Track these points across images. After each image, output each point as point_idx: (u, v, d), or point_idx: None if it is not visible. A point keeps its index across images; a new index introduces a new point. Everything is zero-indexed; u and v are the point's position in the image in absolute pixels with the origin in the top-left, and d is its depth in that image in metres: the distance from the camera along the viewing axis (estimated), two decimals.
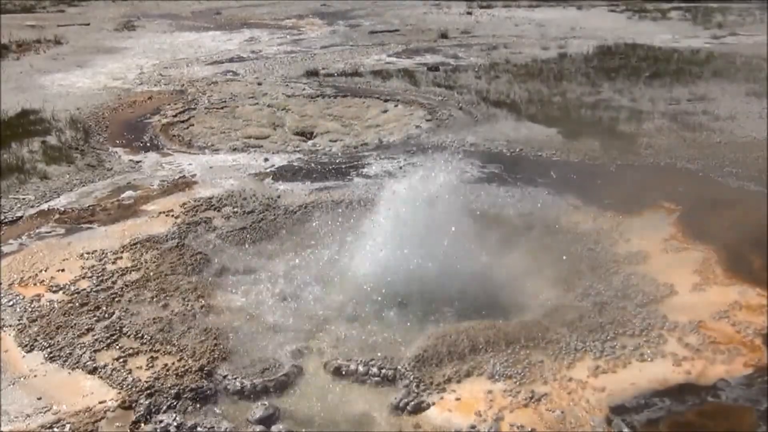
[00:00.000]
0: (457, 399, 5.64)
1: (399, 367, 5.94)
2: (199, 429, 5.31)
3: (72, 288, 7.32)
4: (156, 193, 9.88)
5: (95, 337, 6.43)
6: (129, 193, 9.89)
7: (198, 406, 5.58)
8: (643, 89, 14.77)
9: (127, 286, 7.32)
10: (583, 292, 7.05)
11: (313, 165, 10.95)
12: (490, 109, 13.56)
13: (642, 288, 7.11)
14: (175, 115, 13.81)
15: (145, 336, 6.42)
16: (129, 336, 6.45)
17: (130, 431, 5.32)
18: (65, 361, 6.14)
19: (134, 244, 8.25)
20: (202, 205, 9.34)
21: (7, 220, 8.99)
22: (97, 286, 7.34)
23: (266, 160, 11.21)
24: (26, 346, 6.37)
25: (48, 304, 7.04)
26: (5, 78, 17.14)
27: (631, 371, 5.90)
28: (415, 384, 5.77)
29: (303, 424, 5.39)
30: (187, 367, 5.95)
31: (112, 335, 6.46)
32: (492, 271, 7.43)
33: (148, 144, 12.21)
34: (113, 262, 7.85)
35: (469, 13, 28.07)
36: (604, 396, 5.60)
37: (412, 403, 5.56)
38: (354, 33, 24.03)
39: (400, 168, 10.58)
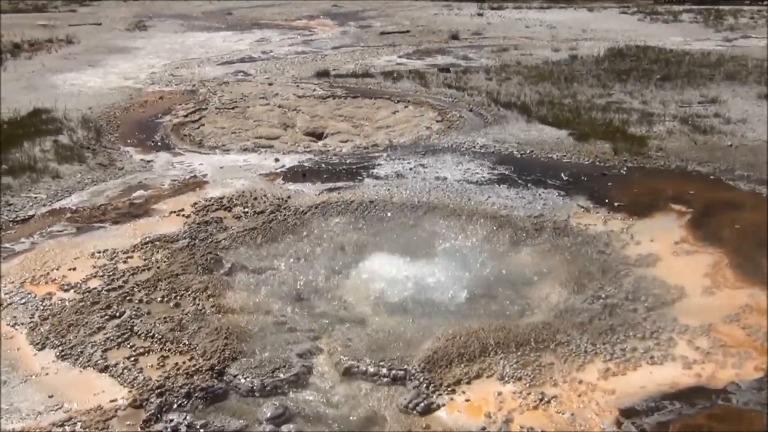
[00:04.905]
0: (467, 400, 5.64)
1: (409, 367, 5.95)
2: (209, 428, 5.33)
3: (83, 287, 7.36)
4: (167, 192, 9.92)
5: (106, 336, 6.47)
6: (140, 192, 9.93)
7: (208, 405, 5.60)
8: (654, 91, 14.73)
9: (138, 285, 7.35)
10: (593, 295, 7.04)
11: (323, 165, 10.96)
12: (501, 111, 13.55)
13: (652, 291, 7.09)
14: (186, 115, 13.86)
15: (156, 335, 6.44)
16: (140, 335, 6.48)
17: (141, 430, 5.34)
18: (76, 360, 6.17)
19: (145, 243, 8.28)
20: (212, 204, 9.36)
21: (19, 218, 9.04)
22: (108, 285, 7.37)
23: (277, 160, 11.23)
24: (38, 344, 6.40)
25: (59, 302, 7.07)
26: (17, 77, 17.26)
27: (641, 374, 5.89)
28: (425, 385, 5.77)
29: (313, 424, 5.40)
30: (197, 367, 5.98)
31: (123, 334, 6.49)
32: (502, 272, 7.46)
33: (160, 144, 12.25)
34: (124, 262, 7.88)
35: (480, 15, 28.05)
36: (614, 398, 5.59)
37: (422, 404, 5.57)
38: (365, 34, 24.05)
39: (411, 169, 10.59)
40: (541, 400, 5.58)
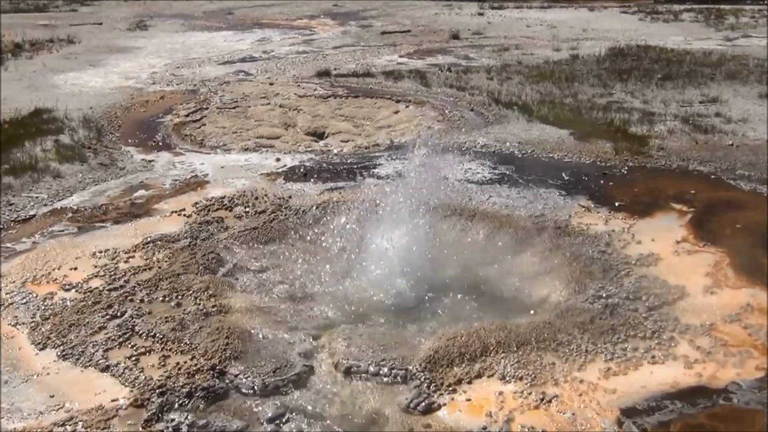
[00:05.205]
0: (468, 400, 5.64)
1: (410, 367, 5.95)
2: (210, 428, 5.33)
3: (84, 286, 7.35)
4: (168, 192, 9.92)
5: (107, 336, 6.46)
6: (141, 192, 9.93)
7: (209, 404, 5.60)
8: (655, 91, 14.73)
9: (139, 284, 7.35)
10: (594, 294, 7.03)
11: (324, 165, 10.96)
12: (502, 111, 13.54)
13: (653, 290, 7.08)
14: (187, 115, 13.85)
15: (158, 335, 6.44)
16: (141, 335, 6.48)
17: (142, 429, 5.34)
18: (78, 359, 6.16)
19: (146, 243, 8.27)
20: (213, 204, 9.36)
21: (20, 218, 9.04)
22: (109, 284, 7.37)
23: (278, 160, 11.23)
24: (39, 343, 6.40)
25: (61, 302, 7.07)
26: (18, 77, 17.26)
27: (643, 373, 5.89)
28: (426, 384, 5.77)
29: (314, 424, 5.40)
30: (198, 366, 5.97)
31: (124, 334, 6.48)
32: (503, 271, 7.46)
33: (161, 143, 12.25)
34: (126, 261, 7.88)
35: (481, 14, 28.05)
36: (615, 398, 5.59)
37: (423, 403, 5.57)
38: (366, 33, 24.05)
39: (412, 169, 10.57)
40: (542, 399, 5.58)
